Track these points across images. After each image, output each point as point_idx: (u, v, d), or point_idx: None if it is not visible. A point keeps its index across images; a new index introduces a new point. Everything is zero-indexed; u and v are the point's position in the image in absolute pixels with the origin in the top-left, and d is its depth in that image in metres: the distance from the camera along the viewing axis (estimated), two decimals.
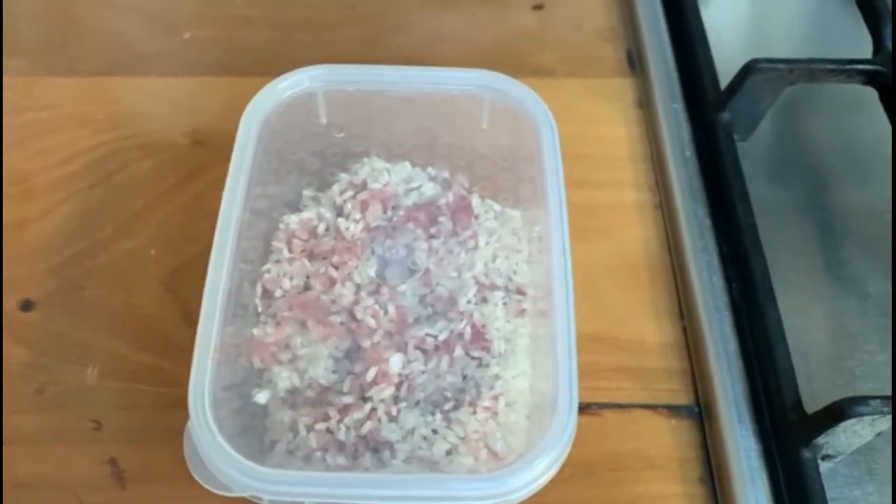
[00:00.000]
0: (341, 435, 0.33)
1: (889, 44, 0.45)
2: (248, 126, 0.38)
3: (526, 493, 0.29)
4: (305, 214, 0.39)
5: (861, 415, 0.33)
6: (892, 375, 0.39)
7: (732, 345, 0.40)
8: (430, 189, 0.40)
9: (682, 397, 0.40)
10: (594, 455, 0.38)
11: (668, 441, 0.38)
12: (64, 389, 0.39)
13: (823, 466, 0.36)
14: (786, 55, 0.45)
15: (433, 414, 0.34)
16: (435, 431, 0.33)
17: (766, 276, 0.40)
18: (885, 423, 0.34)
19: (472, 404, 0.34)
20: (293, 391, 0.34)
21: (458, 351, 0.35)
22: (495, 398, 0.34)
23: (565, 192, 0.36)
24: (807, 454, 0.35)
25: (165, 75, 0.51)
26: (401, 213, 0.39)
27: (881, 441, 0.36)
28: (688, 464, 0.38)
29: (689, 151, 0.46)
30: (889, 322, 0.41)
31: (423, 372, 0.35)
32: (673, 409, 0.39)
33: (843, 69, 0.45)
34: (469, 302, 0.37)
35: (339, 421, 0.33)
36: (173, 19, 0.54)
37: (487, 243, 0.39)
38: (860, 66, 0.45)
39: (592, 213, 0.45)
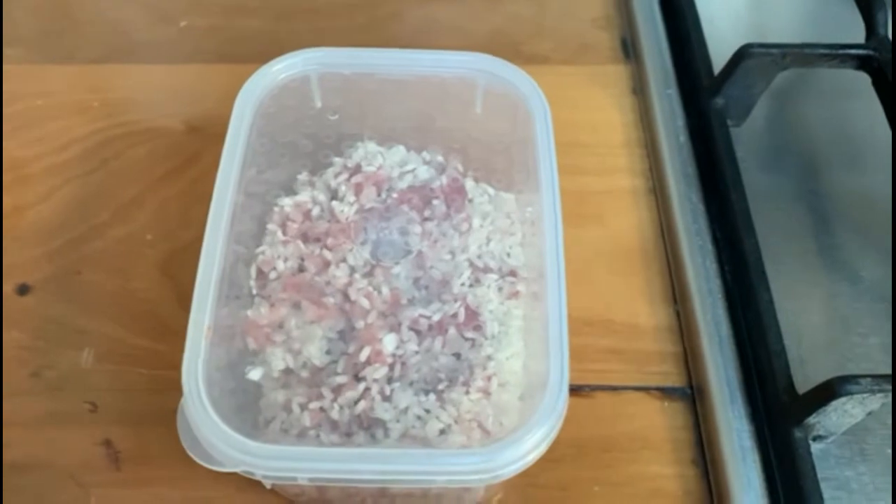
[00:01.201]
0: (335, 414, 0.33)
1: (882, 29, 0.45)
2: (242, 109, 0.37)
3: (516, 468, 0.29)
4: (300, 197, 0.39)
5: (852, 393, 0.34)
6: (893, 356, 0.39)
7: (725, 328, 0.40)
8: (424, 172, 0.40)
9: (675, 379, 0.40)
10: (587, 436, 0.38)
11: (661, 423, 0.38)
12: (60, 372, 0.39)
13: (815, 447, 0.36)
14: (779, 41, 0.45)
15: (426, 394, 0.34)
16: (428, 411, 0.33)
17: (759, 261, 0.40)
18: (875, 402, 0.34)
19: (466, 384, 0.34)
20: (287, 371, 0.34)
21: (452, 332, 0.35)
22: (488, 378, 0.34)
23: (559, 177, 0.36)
24: (798, 434, 0.36)
25: (161, 63, 0.51)
26: (395, 195, 0.39)
27: (873, 422, 0.37)
28: (680, 445, 0.38)
29: (683, 137, 0.46)
30: (881, 305, 0.41)
31: (417, 352, 0.35)
32: (666, 392, 0.39)
33: (835, 54, 0.45)
34: (463, 284, 0.37)
35: (333, 400, 0.33)
36: (169, 7, 0.54)
37: (481, 226, 0.39)
38: (853, 51, 0.45)
39: (586, 198, 0.45)
